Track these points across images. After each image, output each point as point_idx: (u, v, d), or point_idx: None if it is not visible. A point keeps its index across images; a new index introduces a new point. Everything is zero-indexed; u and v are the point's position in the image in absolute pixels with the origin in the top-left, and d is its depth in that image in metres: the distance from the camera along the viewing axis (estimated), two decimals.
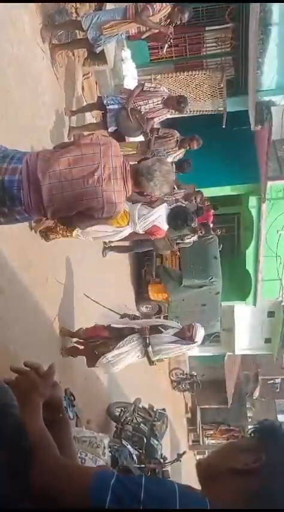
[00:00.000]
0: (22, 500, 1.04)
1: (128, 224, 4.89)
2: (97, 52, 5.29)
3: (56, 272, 4.88)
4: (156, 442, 5.77)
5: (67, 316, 5.07)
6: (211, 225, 9.19)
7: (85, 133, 2.76)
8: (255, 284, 11.50)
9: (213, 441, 19.60)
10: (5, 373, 1.38)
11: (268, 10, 7.08)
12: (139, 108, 5.47)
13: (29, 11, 4.67)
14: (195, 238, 7.43)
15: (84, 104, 6.37)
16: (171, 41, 5.73)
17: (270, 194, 10.01)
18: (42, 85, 4.87)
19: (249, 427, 17.59)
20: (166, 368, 13.67)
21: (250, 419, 19.43)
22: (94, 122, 6.37)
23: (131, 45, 7.28)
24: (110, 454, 4.33)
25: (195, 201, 7.42)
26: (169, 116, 6.12)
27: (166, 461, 5.84)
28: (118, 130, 5.52)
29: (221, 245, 9.53)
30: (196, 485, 1.18)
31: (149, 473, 5.11)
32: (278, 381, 20.24)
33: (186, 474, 10.12)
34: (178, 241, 7.27)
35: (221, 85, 8.42)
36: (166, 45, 5.68)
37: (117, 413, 5.79)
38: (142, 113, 5.49)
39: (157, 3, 4.86)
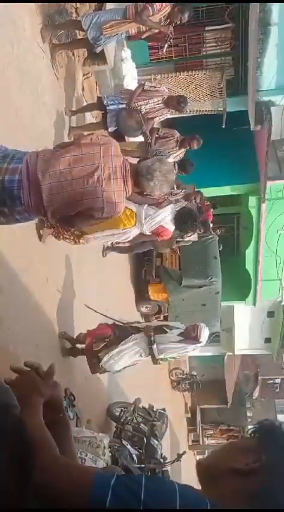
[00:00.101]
0: (23, 500, 1.04)
1: (135, 225, 4.86)
2: (97, 52, 5.30)
3: (56, 272, 4.88)
4: (156, 442, 5.76)
5: (67, 316, 5.07)
6: (211, 225, 9.21)
7: (86, 133, 2.76)
8: (255, 284, 11.51)
9: (213, 441, 19.61)
10: (5, 373, 1.38)
11: (267, 10, 7.08)
12: (139, 108, 5.47)
13: (29, 11, 4.67)
14: (195, 236, 7.43)
15: (84, 103, 6.37)
16: (171, 41, 5.73)
17: (270, 194, 10.02)
18: (42, 85, 4.87)
19: (249, 427, 17.60)
20: (166, 368, 13.66)
21: (249, 419, 19.43)
22: (95, 122, 6.37)
23: (131, 45, 7.28)
24: (110, 454, 4.33)
25: (195, 201, 7.42)
26: (169, 116, 6.13)
27: (166, 461, 5.84)
28: (118, 131, 5.52)
29: (221, 245, 9.54)
30: (196, 485, 1.18)
31: (149, 473, 5.11)
32: (278, 380, 20.23)
33: (186, 474, 10.12)
34: (178, 240, 7.27)
35: (221, 85, 8.42)
36: (166, 45, 5.68)
37: (117, 413, 5.79)
38: (143, 112, 5.49)
39: (157, 3, 4.86)
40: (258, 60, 7.58)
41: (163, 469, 5.69)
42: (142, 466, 5.10)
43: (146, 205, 4.88)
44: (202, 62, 9.77)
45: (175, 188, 6.57)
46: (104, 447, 4.05)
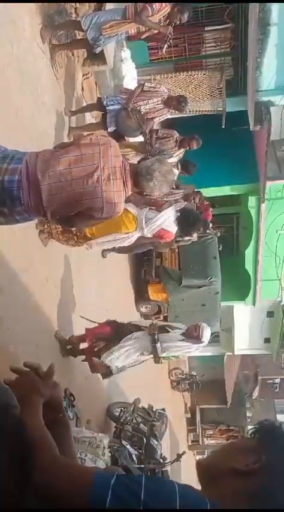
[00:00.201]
0: (23, 500, 1.04)
1: (136, 229, 4.87)
2: (97, 52, 5.30)
3: (56, 272, 4.88)
4: (156, 442, 5.76)
5: (67, 316, 5.07)
6: (211, 224, 9.21)
7: (85, 133, 2.76)
8: (254, 284, 11.51)
9: (213, 441, 19.61)
10: (5, 373, 1.38)
11: (267, 10, 7.09)
12: (139, 108, 5.47)
13: (29, 11, 4.67)
14: (195, 236, 7.43)
15: (84, 104, 6.38)
16: (171, 41, 5.73)
17: (269, 194, 10.02)
18: (42, 85, 4.87)
19: (249, 427, 17.64)
20: (166, 368, 13.67)
21: (249, 419, 19.44)
22: (94, 122, 6.37)
23: (131, 46, 7.28)
24: (110, 454, 4.33)
25: (194, 201, 7.42)
26: (169, 116, 6.13)
27: (166, 461, 5.84)
28: (117, 131, 5.52)
29: (220, 245, 9.54)
30: (196, 485, 1.18)
31: (149, 473, 5.11)
32: (277, 380, 20.25)
33: (186, 474, 10.13)
34: (177, 239, 7.27)
35: (221, 85, 8.42)
36: (166, 46, 5.67)
37: (117, 414, 5.79)
38: (142, 113, 5.49)
39: (157, 4, 4.86)
40: (257, 60, 7.59)
41: (163, 469, 5.69)
42: (142, 466, 5.10)
43: (147, 209, 4.88)
44: (202, 62, 9.77)
45: (175, 188, 6.57)
46: (104, 447, 4.05)
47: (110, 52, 6.11)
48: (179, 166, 6.29)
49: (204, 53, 9.72)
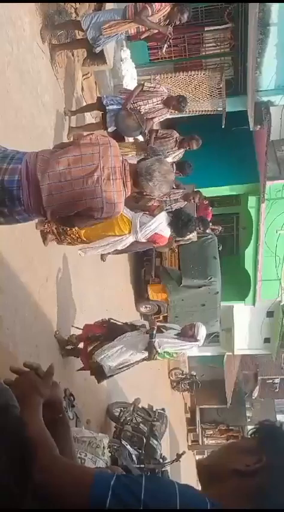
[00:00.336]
0: (23, 500, 1.04)
1: (130, 232, 4.88)
2: (97, 52, 5.30)
3: (56, 272, 4.88)
4: (156, 442, 5.77)
5: (67, 316, 5.07)
6: (210, 224, 9.21)
7: (85, 133, 2.76)
8: (254, 284, 11.51)
9: (212, 441, 19.63)
10: (5, 373, 1.38)
11: (267, 10, 7.10)
12: (138, 108, 5.47)
13: (29, 11, 4.67)
14: (194, 235, 7.44)
15: (84, 104, 6.38)
16: (170, 41, 5.73)
17: (269, 194, 10.03)
18: (42, 85, 4.87)
19: (249, 427, 17.66)
20: (166, 368, 13.67)
21: (249, 419, 19.47)
22: (94, 122, 6.37)
23: (130, 45, 7.28)
24: (110, 454, 4.33)
25: (194, 201, 7.43)
26: (169, 116, 6.13)
27: (166, 461, 5.84)
28: (117, 131, 5.52)
29: (220, 245, 9.54)
30: (196, 485, 1.18)
31: (148, 474, 5.11)
32: (277, 380, 20.27)
33: (186, 474, 10.13)
34: (177, 239, 7.28)
35: (221, 85, 8.42)
36: (166, 45, 5.68)
37: (117, 414, 5.79)
38: (142, 113, 5.49)
39: (157, 4, 4.86)
40: (257, 60, 7.59)
41: (163, 469, 5.69)
42: (142, 466, 5.10)
43: (141, 214, 4.89)
44: (202, 62, 9.76)
45: (175, 188, 6.58)
46: (104, 447, 4.05)
47: (110, 52, 6.11)
48: (174, 167, 6.29)
49: (203, 53, 9.71)
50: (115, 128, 5.51)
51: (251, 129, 8.74)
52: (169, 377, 14.07)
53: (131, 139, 6.05)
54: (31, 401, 1.26)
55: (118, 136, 5.42)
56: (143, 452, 5.40)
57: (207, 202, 9.36)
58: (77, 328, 4.95)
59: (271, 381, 20.30)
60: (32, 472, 1.07)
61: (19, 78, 4.27)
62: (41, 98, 4.84)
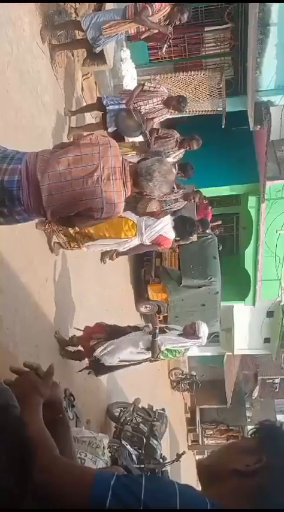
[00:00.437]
0: (23, 500, 1.04)
1: (135, 235, 4.97)
2: (97, 52, 5.30)
3: (56, 272, 4.88)
4: (156, 442, 5.76)
5: (66, 316, 5.07)
6: (210, 224, 9.21)
7: (85, 133, 2.76)
8: (254, 284, 11.51)
9: (212, 441, 19.62)
10: (5, 373, 1.38)
11: (266, 10, 7.10)
12: (139, 108, 5.47)
13: (29, 11, 4.67)
14: (194, 235, 7.43)
15: (84, 104, 6.38)
16: (170, 41, 5.73)
17: (269, 194, 10.03)
18: (42, 85, 4.87)
19: (249, 427, 17.66)
20: (166, 368, 13.67)
21: (249, 419, 19.47)
22: (94, 122, 6.37)
23: (130, 46, 7.28)
24: (110, 454, 4.33)
25: (194, 201, 7.43)
26: (169, 116, 6.13)
27: (166, 461, 5.84)
28: (117, 131, 5.52)
29: (220, 245, 9.55)
30: (196, 485, 1.18)
31: (148, 474, 5.11)
32: (277, 380, 20.27)
33: (186, 474, 10.13)
34: (177, 239, 7.28)
35: (221, 85, 8.42)
36: (166, 46, 5.68)
37: (117, 414, 5.79)
38: (142, 113, 5.49)
39: (157, 4, 4.86)
40: (257, 60, 7.59)
41: (163, 469, 5.69)
42: (142, 466, 5.10)
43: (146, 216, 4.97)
44: (202, 62, 9.76)
45: (175, 188, 6.57)
46: (104, 447, 4.05)
47: (110, 52, 6.11)
48: (176, 167, 6.30)
49: (203, 53, 9.71)
50: (115, 128, 5.51)
51: (251, 129, 8.75)
52: (169, 377, 14.07)
53: (131, 140, 6.05)
54: (31, 401, 1.26)
55: (118, 136, 5.42)
56: (143, 452, 5.40)
57: (207, 202, 9.36)
58: (78, 329, 4.95)
59: (271, 380, 20.30)
60: (32, 472, 1.07)
61: (19, 78, 4.27)
62: (41, 98, 4.84)
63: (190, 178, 6.92)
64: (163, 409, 6.84)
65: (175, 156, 6.35)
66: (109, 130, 5.51)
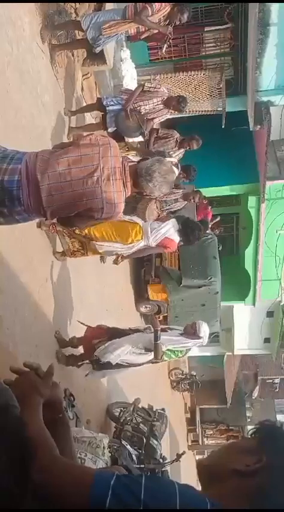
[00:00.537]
0: (23, 500, 1.04)
1: (142, 239, 5.04)
2: (97, 52, 5.30)
3: (55, 272, 4.88)
4: (156, 442, 5.76)
5: (66, 316, 5.07)
6: (210, 224, 9.22)
7: (85, 133, 2.76)
8: (254, 284, 11.52)
9: (212, 441, 19.63)
10: (4, 373, 1.38)
11: (266, 10, 7.10)
12: (139, 108, 5.47)
13: (29, 11, 4.67)
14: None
15: (84, 104, 6.38)
16: (170, 41, 5.73)
17: (269, 194, 10.03)
18: (42, 85, 4.87)
19: (249, 427, 17.66)
20: (166, 368, 13.67)
21: (249, 419, 19.47)
22: (94, 122, 6.37)
23: (130, 46, 7.28)
24: (110, 454, 4.33)
25: (193, 201, 7.44)
26: (169, 116, 6.13)
27: (166, 461, 5.84)
28: (117, 131, 5.52)
29: (220, 245, 9.55)
30: (196, 485, 1.18)
31: (148, 474, 5.11)
32: (277, 380, 20.27)
33: (186, 474, 10.13)
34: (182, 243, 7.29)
35: (221, 85, 8.43)
36: (166, 46, 5.68)
37: (117, 414, 5.79)
38: (142, 113, 5.49)
39: (157, 4, 4.86)
40: (257, 60, 7.60)
41: (163, 469, 5.69)
42: (142, 466, 5.10)
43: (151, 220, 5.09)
44: (202, 62, 9.76)
45: (175, 188, 6.58)
46: (104, 447, 4.05)
47: (110, 52, 6.11)
48: (179, 166, 6.31)
49: (203, 53, 9.72)
50: (115, 129, 5.51)
51: (251, 129, 8.75)
52: (169, 377, 14.07)
53: (131, 140, 6.05)
54: (31, 401, 1.26)
55: (118, 136, 5.42)
56: (143, 452, 5.40)
57: (207, 202, 9.37)
58: (83, 324, 4.92)
59: (271, 380, 20.30)
60: (31, 472, 1.07)
61: (19, 78, 4.27)
62: (41, 98, 4.84)
63: (192, 181, 6.93)
64: (163, 409, 6.84)
65: (175, 156, 6.35)
66: (109, 130, 5.51)
